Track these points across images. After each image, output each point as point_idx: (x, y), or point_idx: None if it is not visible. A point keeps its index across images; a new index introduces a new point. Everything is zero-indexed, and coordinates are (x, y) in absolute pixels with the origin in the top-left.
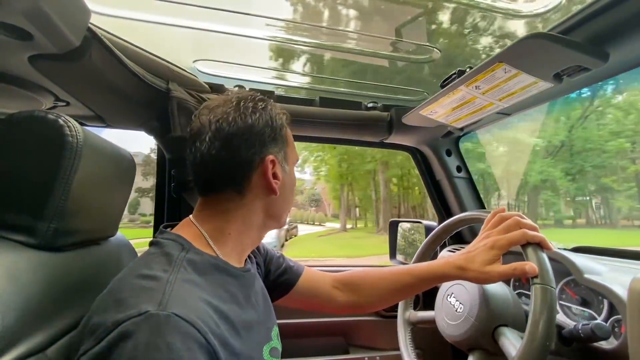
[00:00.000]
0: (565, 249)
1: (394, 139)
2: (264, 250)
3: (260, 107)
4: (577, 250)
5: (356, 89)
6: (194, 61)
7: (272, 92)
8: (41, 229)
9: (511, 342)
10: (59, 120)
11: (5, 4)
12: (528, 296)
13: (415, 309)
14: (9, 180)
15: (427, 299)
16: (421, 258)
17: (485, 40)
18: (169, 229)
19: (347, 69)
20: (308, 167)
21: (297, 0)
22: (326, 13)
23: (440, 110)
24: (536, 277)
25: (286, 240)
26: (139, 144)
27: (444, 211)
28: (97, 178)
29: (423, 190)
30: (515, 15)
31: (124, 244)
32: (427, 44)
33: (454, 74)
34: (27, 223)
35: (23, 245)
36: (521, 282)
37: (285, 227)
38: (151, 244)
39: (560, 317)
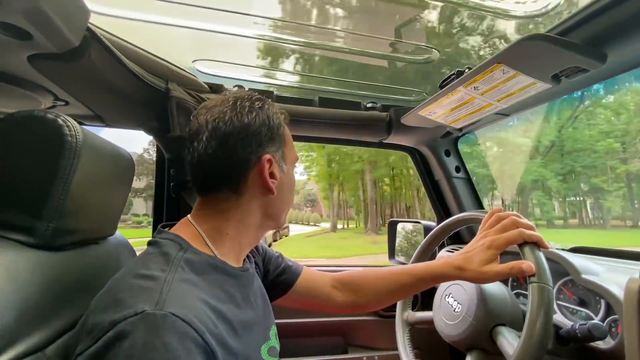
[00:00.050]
0: (562, 249)
1: (393, 139)
2: (263, 250)
3: (257, 106)
4: (574, 250)
5: (355, 89)
6: (194, 61)
7: (271, 92)
8: (40, 229)
9: (509, 341)
10: (58, 119)
11: (4, 4)
12: (525, 296)
13: (413, 309)
14: (8, 179)
15: (425, 299)
16: (420, 258)
17: (485, 41)
18: (167, 229)
19: (346, 69)
20: (298, 167)
21: (294, 1)
22: (326, 13)
23: (439, 111)
24: (533, 275)
25: (274, 240)
26: (132, 144)
27: (442, 211)
28: (96, 178)
29: (415, 191)
30: (515, 16)
31: (123, 244)
32: (426, 44)
33: (453, 74)
34: (26, 222)
35: (22, 245)
36: (519, 281)
37: None
38: (149, 243)
39: (558, 317)
